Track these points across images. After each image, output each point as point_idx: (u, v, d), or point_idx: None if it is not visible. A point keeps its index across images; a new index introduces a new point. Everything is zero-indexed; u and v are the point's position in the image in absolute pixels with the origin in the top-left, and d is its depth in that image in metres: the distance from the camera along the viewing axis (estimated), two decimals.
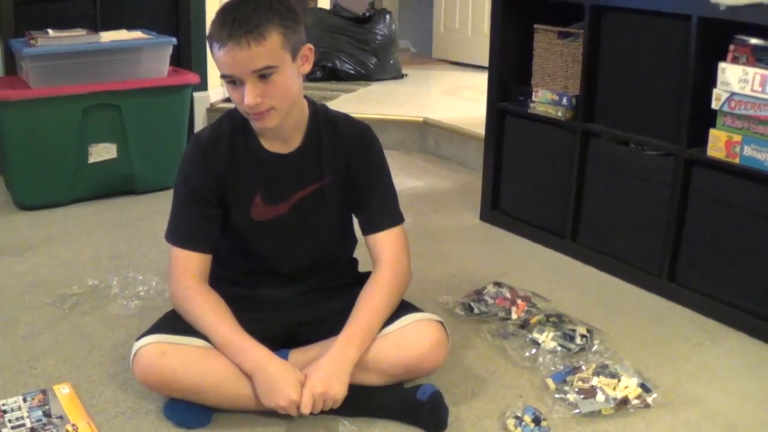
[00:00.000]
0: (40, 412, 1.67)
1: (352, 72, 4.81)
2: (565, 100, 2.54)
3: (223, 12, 1.58)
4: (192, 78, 3.22)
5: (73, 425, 1.62)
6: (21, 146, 2.89)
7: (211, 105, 4.02)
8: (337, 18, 4.93)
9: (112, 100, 2.99)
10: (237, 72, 1.57)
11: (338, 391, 1.59)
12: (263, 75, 1.57)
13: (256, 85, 1.57)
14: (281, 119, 1.65)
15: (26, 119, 2.86)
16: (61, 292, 2.24)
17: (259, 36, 1.54)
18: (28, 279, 2.35)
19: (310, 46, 1.66)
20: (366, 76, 4.83)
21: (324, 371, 1.61)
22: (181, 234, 1.73)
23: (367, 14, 5.10)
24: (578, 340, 1.97)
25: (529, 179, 2.76)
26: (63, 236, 2.69)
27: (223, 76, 1.60)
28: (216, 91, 4.05)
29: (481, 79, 3.08)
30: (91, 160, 3.01)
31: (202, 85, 3.79)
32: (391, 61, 4.95)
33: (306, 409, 1.57)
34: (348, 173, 1.78)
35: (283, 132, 1.71)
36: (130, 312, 2.15)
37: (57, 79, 2.88)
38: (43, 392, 1.75)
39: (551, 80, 2.62)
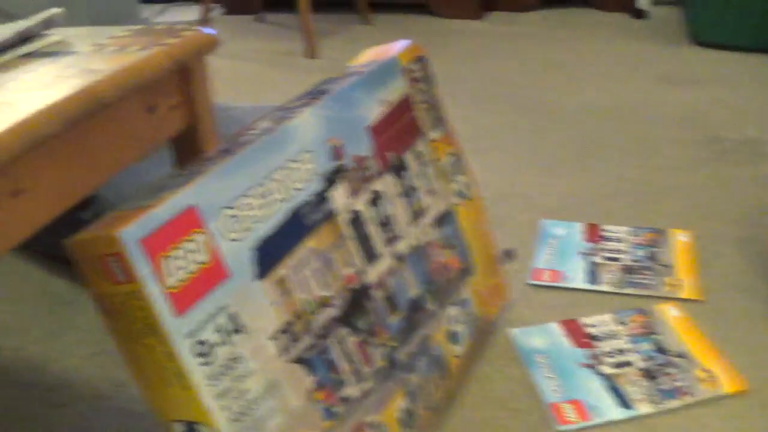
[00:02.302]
0: (646, 251, 1.48)
1: None
2: None
3: None
4: None
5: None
6: None
7: None
8: None
9: None
10: None
11: None
12: None
13: None
14: None
15: None
16: (714, 134, 1.98)
17: None
18: (684, 112, 2.13)
19: None
20: None
21: None
22: None
23: None
24: None
25: None
26: (732, 79, 2.38)
27: None
28: None
29: None
30: None
31: None
32: None
33: None
34: None
35: None
36: None
37: None
38: (657, 233, 1.55)
39: None
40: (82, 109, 0.80)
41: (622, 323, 1.32)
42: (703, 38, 2.70)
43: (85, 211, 1.47)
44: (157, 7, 3.73)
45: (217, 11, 3.56)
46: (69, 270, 1.53)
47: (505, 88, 2.37)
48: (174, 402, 0.79)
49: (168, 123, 0.94)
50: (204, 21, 3.05)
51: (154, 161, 1.61)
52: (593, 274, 1.45)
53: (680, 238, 1.54)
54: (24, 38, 0.99)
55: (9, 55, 0.95)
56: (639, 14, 3.00)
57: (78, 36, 1.01)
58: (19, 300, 1.47)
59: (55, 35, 1.00)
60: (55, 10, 1.01)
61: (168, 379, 0.78)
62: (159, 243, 0.75)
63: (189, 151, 0.96)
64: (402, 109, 1.14)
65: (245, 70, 2.70)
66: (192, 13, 3.57)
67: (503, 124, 2.12)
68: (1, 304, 1.49)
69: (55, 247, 1.54)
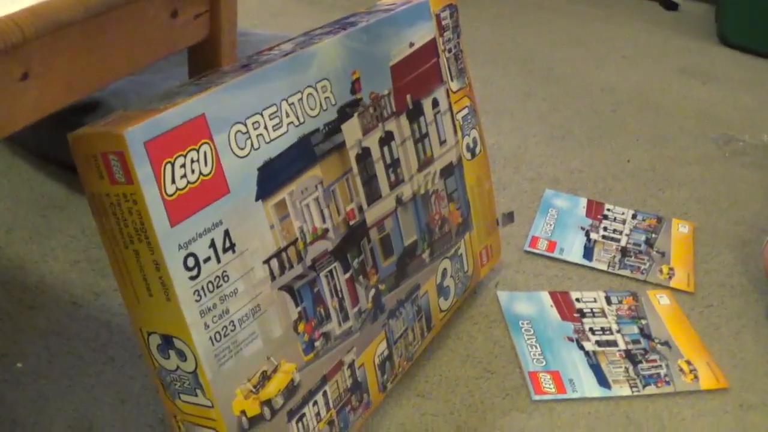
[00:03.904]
0: (645, 236, 1.47)
1: None
2: None
3: None
4: None
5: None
6: None
7: None
8: None
9: None
10: None
11: None
12: None
13: None
14: None
15: None
16: (729, 134, 1.96)
17: None
18: (701, 108, 2.11)
19: None
20: None
21: None
22: None
23: None
24: None
25: None
26: (755, 83, 2.34)
27: None
28: None
29: None
30: None
31: None
32: None
33: None
34: None
35: None
36: None
37: None
38: (658, 220, 1.54)
39: None
40: (106, 1, 0.77)
41: (612, 303, 1.31)
42: (731, 39, 2.66)
43: (89, 117, 1.45)
44: None
45: None
46: (67, 175, 1.51)
47: (527, 56, 2.33)
48: (154, 312, 0.78)
49: (189, 31, 0.91)
50: None
51: (169, 78, 1.58)
52: (589, 251, 1.44)
53: (681, 228, 1.52)
54: None
55: None
56: (670, 6, 2.95)
57: None
58: (11, 198, 1.45)
59: None
60: None
61: (151, 288, 0.77)
62: (164, 147, 0.73)
63: (206, 62, 0.94)
64: (427, 54, 1.11)
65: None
66: None
67: (519, 90, 2.09)
68: None
69: (55, 150, 1.52)
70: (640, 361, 1.20)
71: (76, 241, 1.34)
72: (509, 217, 1.34)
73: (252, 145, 0.82)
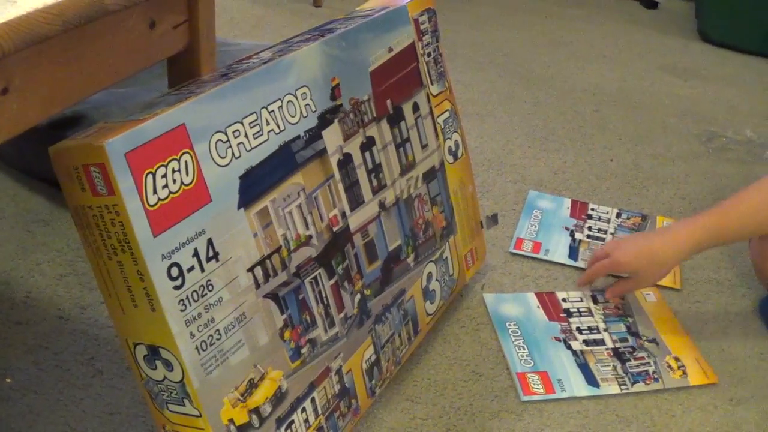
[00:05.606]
0: (630, 234, 1.48)
1: None
2: None
3: None
4: None
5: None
6: None
7: None
8: None
9: None
10: None
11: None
12: None
13: None
14: None
15: None
16: (711, 130, 1.97)
17: None
18: (684, 105, 2.12)
19: None
20: None
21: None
22: None
23: None
24: None
25: None
26: (736, 79, 2.36)
27: None
28: None
29: None
30: None
31: None
32: None
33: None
34: None
35: None
36: None
37: None
38: (642, 218, 1.55)
39: None
40: (83, 13, 0.77)
41: (598, 302, 1.32)
42: (711, 36, 2.68)
43: (71, 131, 1.45)
44: None
45: None
46: (51, 190, 1.51)
47: (508, 58, 2.34)
48: (139, 323, 0.78)
49: (168, 41, 0.92)
50: None
51: (152, 90, 1.58)
52: (574, 251, 1.44)
53: (665, 226, 1.53)
54: None
55: None
56: (650, 4, 2.97)
57: None
58: None
59: None
60: None
61: (136, 299, 0.77)
62: (145, 158, 0.73)
63: (185, 72, 0.94)
64: (406, 59, 1.12)
65: (248, 10, 2.66)
66: None
67: (501, 93, 2.10)
68: None
69: (38, 165, 1.51)
70: (628, 359, 1.20)
71: (62, 256, 1.34)
72: (493, 219, 1.35)
73: (233, 153, 0.83)
